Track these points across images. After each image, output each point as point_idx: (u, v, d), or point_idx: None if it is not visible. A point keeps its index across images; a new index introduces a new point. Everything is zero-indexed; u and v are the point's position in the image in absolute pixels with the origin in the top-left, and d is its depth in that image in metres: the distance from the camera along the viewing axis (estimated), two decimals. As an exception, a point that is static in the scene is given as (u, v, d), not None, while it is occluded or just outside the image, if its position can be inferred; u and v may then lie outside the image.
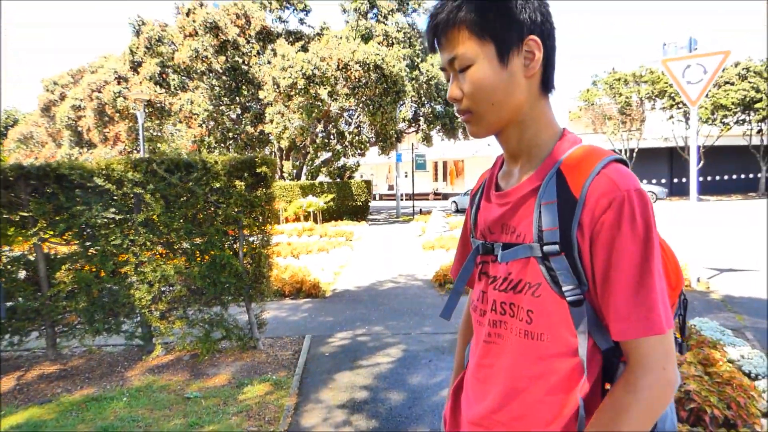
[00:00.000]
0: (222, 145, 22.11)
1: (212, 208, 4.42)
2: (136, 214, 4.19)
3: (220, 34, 20.18)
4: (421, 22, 25.66)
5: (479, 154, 37.72)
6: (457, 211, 24.17)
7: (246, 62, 21.32)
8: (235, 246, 4.53)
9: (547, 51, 0.83)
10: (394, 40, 22.03)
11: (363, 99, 18.96)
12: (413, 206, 22.05)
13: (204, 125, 20.63)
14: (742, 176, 33.06)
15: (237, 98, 21.97)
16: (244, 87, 21.71)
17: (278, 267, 7.71)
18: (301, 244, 10.90)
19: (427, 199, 40.00)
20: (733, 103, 27.56)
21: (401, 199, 25.91)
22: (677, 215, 17.11)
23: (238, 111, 22.68)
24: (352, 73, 17.41)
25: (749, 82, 27.78)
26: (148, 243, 4.24)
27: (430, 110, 25.47)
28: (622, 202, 0.74)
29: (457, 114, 0.88)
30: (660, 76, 29.12)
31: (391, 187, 43.90)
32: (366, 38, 21.26)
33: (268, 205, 4.49)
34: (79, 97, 28.16)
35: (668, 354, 0.75)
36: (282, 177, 22.12)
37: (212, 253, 4.35)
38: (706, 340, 3.33)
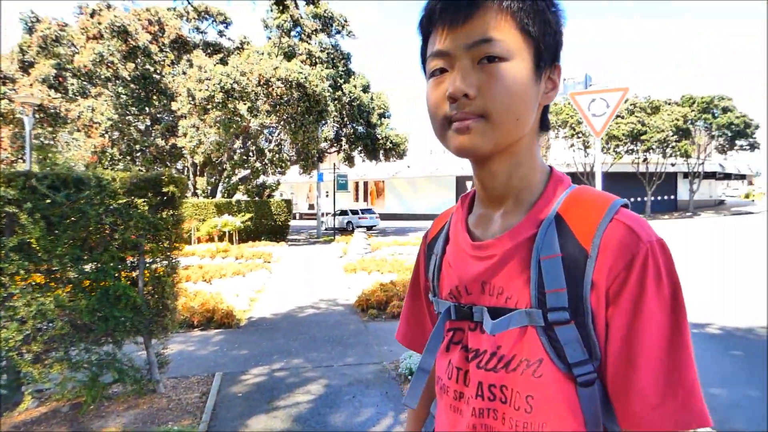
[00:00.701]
0: (128, 157, 20.43)
1: (107, 231, 3.86)
2: (6, 238, 3.53)
3: (130, 40, 18.80)
4: (345, 44, 25.73)
5: (399, 175, 38.44)
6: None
7: (158, 71, 20.03)
8: (133, 274, 3.98)
9: (557, 83, 0.71)
10: (317, 60, 21.89)
11: (285, 117, 18.51)
12: (334, 226, 21.73)
13: (107, 135, 18.94)
14: (632, 199, 36.61)
15: (147, 108, 20.50)
16: (155, 97, 20.33)
17: (187, 294, 7.06)
18: (215, 267, 10.17)
19: (348, 219, 39.92)
20: (623, 135, 30.63)
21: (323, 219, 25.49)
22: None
23: (148, 122, 21.18)
24: (273, 89, 16.94)
25: (636, 117, 31.09)
26: (22, 272, 3.58)
27: (352, 131, 25.52)
28: (646, 256, 0.60)
29: (452, 117, 0.65)
30: (562, 108, 31.70)
31: (312, 207, 43.29)
32: (289, 56, 20.90)
33: (176, 228, 4.01)
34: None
35: None
36: (195, 194, 20.86)
37: (105, 283, 3.78)
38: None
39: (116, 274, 3.83)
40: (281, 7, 5.52)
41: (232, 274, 9.60)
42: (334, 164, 23.96)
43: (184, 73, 18.68)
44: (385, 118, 26.38)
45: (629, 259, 0.60)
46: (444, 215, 0.86)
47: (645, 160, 32.55)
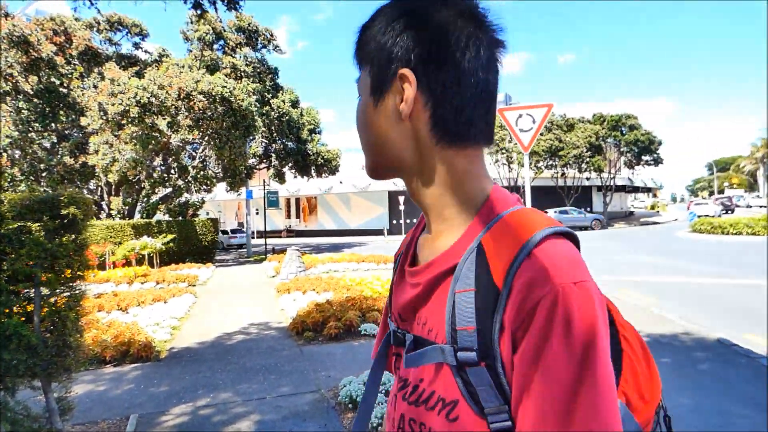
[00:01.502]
0: (31, 177, 18.55)
1: (-6, 261, 3.33)
2: None
3: (31, 51, 17.20)
4: (271, 58, 25.25)
5: (332, 191, 38.16)
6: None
7: (65, 84, 18.48)
8: (28, 309, 3.46)
9: (436, 86, 0.60)
10: (242, 74, 21.28)
11: (209, 132, 17.71)
12: (265, 245, 21.02)
13: (5, 154, 17.11)
14: (555, 211, 38.86)
15: (53, 124, 18.81)
16: (62, 112, 18.71)
17: (98, 326, 6.39)
18: (132, 293, 9.35)
19: (280, 236, 38.86)
20: (543, 150, 32.53)
21: (252, 238, 24.57)
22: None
23: (54, 139, 19.43)
24: (195, 103, 16.16)
25: (554, 134, 33.19)
26: None
27: (282, 146, 24.99)
28: (554, 302, 0.50)
29: None
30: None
31: (241, 225, 41.77)
32: (212, 69, 20.13)
33: (78, 254, 3.55)
34: None
35: None
36: (110, 215, 19.32)
37: (-9, 321, 3.24)
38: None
39: (6, 311, 3.31)
40: (199, 12, 5.18)
41: (152, 300, 8.86)
42: (264, 181, 23.27)
43: (95, 86, 17.38)
44: (315, 133, 26.14)
45: (535, 303, 0.50)
46: (410, 231, 0.79)
47: (563, 174, 34.73)
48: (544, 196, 36.63)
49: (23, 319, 3.38)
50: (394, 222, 37.92)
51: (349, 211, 40.66)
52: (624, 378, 0.60)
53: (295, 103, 25.28)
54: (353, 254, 16.58)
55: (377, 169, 0.68)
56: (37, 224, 3.35)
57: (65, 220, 3.47)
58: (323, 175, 27.08)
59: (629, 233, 26.64)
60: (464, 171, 0.62)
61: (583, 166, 33.98)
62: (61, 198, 3.43)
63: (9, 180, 18.02)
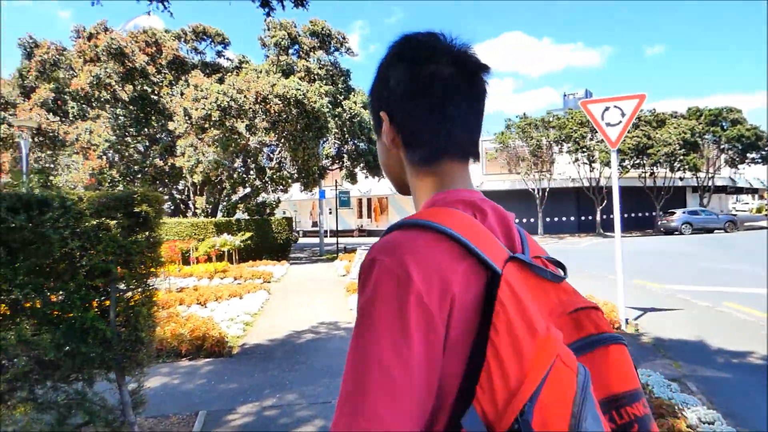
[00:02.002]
0: (128, 178, 20.19)
1: (75, 257, 3.47)
2: (-41, 267, 3.14)
3: (127, 62, 18.71)
4: (343, 61, 25.66)
5: (402, 191, 38.17)
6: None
7: (156, 92, 19.91)
8: (105, 303, 3.58)
9: (404, 121, 0.74)
10: (315, 77, 21.75)
11: (284, 134, 18.28)
12: (337, 244, 21.33)
13: (104, 157, 18.74)
14: (639, 214, 36.08)
15: (145, 129, 20.35)
16: (153, 118, 20.20)
17: (177, 320, 6.65)
18: (211, 288, 9.75)
19: (352, 236, 39.48)
20: (629, 148, 30.25)
21: (325, 237, 25.10)
22: (597, 253, 17.92)
23: (146, 143, 21.00)
24: (271, 106, 16.73)
25: (641, 130, 30.77)
26: (-23, 305, 3.19)
27: (353, 147, 25.28)
28: (361, 269, 0.62)
29: None
30: (566, 122, 31.47)
31: (315, 224, 42.94)
32: (287, 73, 20.77)
33: (151, 251, 3.62)
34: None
35: None
36: (195, 213, 20.54)
37: (71, 314, 3.37)
38: (663, 404, 2.94)
39: (85, 305, 3.44)
40: (266, 11, 5.20)
41: (228, 296, 9.18)
42: (336, 181, 23.65)
43: (182, 93, 18.53)
44: (386, 134, 26.20)
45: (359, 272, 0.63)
46: None
47: (652, 174, 32.14)
48: (629, 197, 34.17)
49: (99, 313, 3.50)
50: (466, 223, 37.16)
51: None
52: (485, 369, 0.55)
53: (366, 105, 25.51)
54: (423, 255, 16.28)
55: (396, 187, 0.85)
56: (113, 221, 3.45)
57: (139, 218, 3.54)
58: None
59: (735, 239, 24.05)
60: (425, 185, 0.75)
61: (676, 164, 31.21)
62: (135, 196, 3.50)
63: (109, 181, 19.73)
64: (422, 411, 0.55)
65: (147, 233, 3.58)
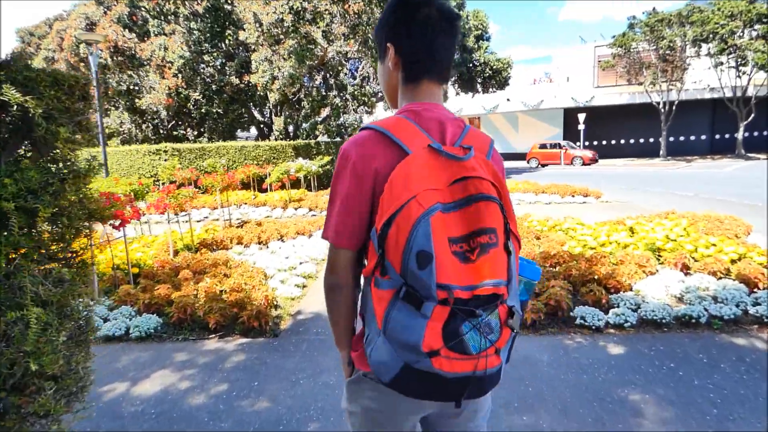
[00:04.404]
0: (205, 97, 19.19)
1: None
2: None
3: (196, -35, 16.91)
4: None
5: (499, 110, 34.28)
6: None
7: (230, 1, 18.08)
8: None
9: (404, 50, 1.12)
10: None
11: (366, 40, 15.78)
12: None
13: (180, 75, 17.67)
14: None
15: (220, 44, 18.87)
16: (229, 31, 18.57)
17: (222, 269, 5.10)
18: (277, 224, 8.21)
19: (440, 160, 37.00)
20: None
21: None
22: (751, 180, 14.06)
23: (222, 59, 19.61)
24: (350, 6, 14.21)
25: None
26: None
27: (444, 58, 22.13)
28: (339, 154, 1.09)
29: None
30: (709, 15, 25.17)
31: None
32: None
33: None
34: (50, 47, 25.23)
35: (327, 260, 1.11)
36: (269, 135, 19.25)
37: None
38: None
39: None
40: None
41: (294, 233, 7.58)
42: (424, 97, 20.98)
43: (252, -4, 16.45)
44: (483, 40, 22.53)
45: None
46: None
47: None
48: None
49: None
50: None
51: (516, 132, 36.50)
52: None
53: (459, 6, 21.83)
54: (527, 182, 13.69)
55: (391, 102, 1.23)
56: None
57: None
58: (490, 89, 23.74)
59: None
60: (407, 97, 1.15)
61: None
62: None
63: (184, 100, 18.81)
64: (346, 223, 1.05)
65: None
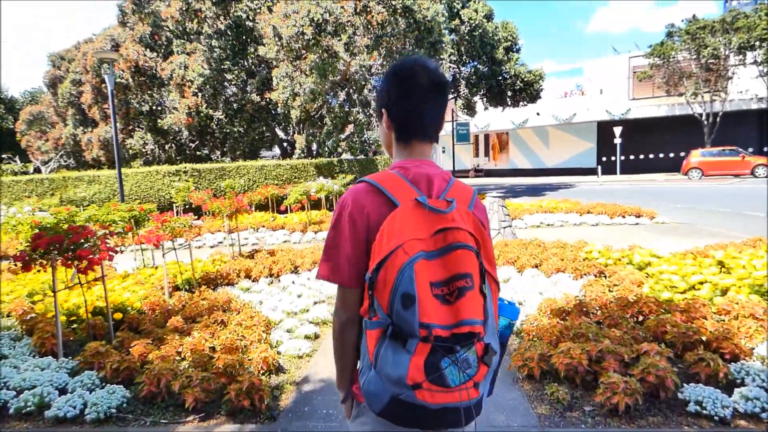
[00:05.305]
0: (227, 116, 18.70)
1: None
2: None
3: (217, -18, 16.55)
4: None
5: (528, 124, 33.03)
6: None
7: (252, 18, 17.66)
8: None
9: (393, 115, 1.28)
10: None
11: (390, 52, 15.01)
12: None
13: (200, 94, 17.24)
14: None
15: (241, 61, 18.42)
16: (250, 48, 18.13)
17: (208, 321, 4.20)
18: (290, 252, 7.31)
19: (467, 176, 35.82)
20: None
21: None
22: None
23: (244, 77, 19.17)
24: (373, 16, 13.48)
25: None
26: None
27: (472, 71, 21.20)
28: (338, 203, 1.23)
29: None
30: (756, 21, 23.60)
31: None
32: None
33: None
34: (77, 70, 25.48)
35: (338, 299, 1.22)
36: (292, 153, 18.59)
37: None
38: None
39: None
40: None
41: (311, 264, 6.66)
42: (453, 111, 20.03)
43: (270, 10, 15.96)
44: (513, 52, 21.53)
45: None
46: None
47: None
48: None
49: None
50: (604, 159, 31.27)
51: (546, 147, 35.09)
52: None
53: (488, 17, 20.97)
54: (568, 201, 12.49)
55: (388, 153, 1.37)
56: None
57: None
58: (521, 103, 22.63)
59: None
60: (401, 155, 1.30)
61: None
62: None
63: (203, 119, 18.34)
64: (350, 265, 1.16)
65: None
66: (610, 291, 4.26)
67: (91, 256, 3.70)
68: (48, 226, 4.03)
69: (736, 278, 4.14)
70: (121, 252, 8.87)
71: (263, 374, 3.38)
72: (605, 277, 4.85)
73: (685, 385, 2.79)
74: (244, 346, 3.65)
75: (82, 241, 3.73)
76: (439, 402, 1.00)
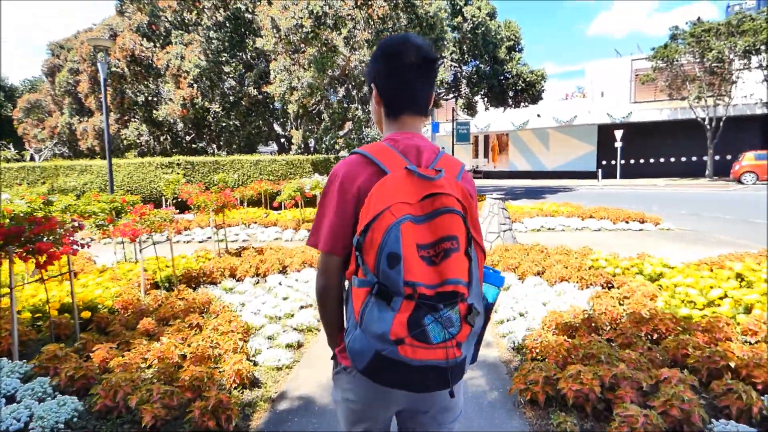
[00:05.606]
0: (224, 109, 18.31)
1: None
2: None
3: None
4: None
5: (528, 126, 32.70)
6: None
7: (251, 9, 17.27)
8: None
9: (382, 90, 1.31)
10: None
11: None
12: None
13: (196, 85, 16.85)
14: None
15: (239, 54, 18.03)
16: (248, 41, 17.74)
17: (182, 325, 3.86)
18: (280, 252, 6.97)
19: (467, 177, 35.46)
20: None
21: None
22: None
23: (242, 69, 18.78)
24: (374, 10, 13.12)
25: None
26: None
27: (474, 70, 20.84)
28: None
29: None
30: (762, 24, 23.31)
31: (425, 164, 39.53)
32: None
33: None
34: (75, 59, 25.05)
35: (319, 265, 1.25)
36: (290, 150, 18.23)
37: None
38: None
39: None
40: None
41: (300, 263, 6.31)
42: (453, 110, 19.69)
43: (270, 1, 15.59)
44: (515, 51, 21.18)
45: None
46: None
47: None
48: None
49: None
50: (604, 162, 30.96)
51: (546, 149, 34.78)
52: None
53: (491, 15, 20.61)
54: (569, 204, 12.17)
55: (379, 129, 1.37)
56: None
57: None
58: (522, 103, 22.28)
59: None
60: (390, 129, 1.32)
61: None
62: None
63: (198, 111, 17.97)
64: (332, 232, 1.19)
65: None
66: (620, 304, 3.93)
67: (52, 250, 3.35)
68: (12, 215, 3.68)
69: (760, 293, 3.80)
70: (104, 244, 8.50)
71: (236, 388, 3.03)
72: (613, 288, 4.51)
73: (713, 420, 2.45)
74: (217, 354, 3.32)
75: (44, 233, 3.38)
76: (421, 358, 1.02)
